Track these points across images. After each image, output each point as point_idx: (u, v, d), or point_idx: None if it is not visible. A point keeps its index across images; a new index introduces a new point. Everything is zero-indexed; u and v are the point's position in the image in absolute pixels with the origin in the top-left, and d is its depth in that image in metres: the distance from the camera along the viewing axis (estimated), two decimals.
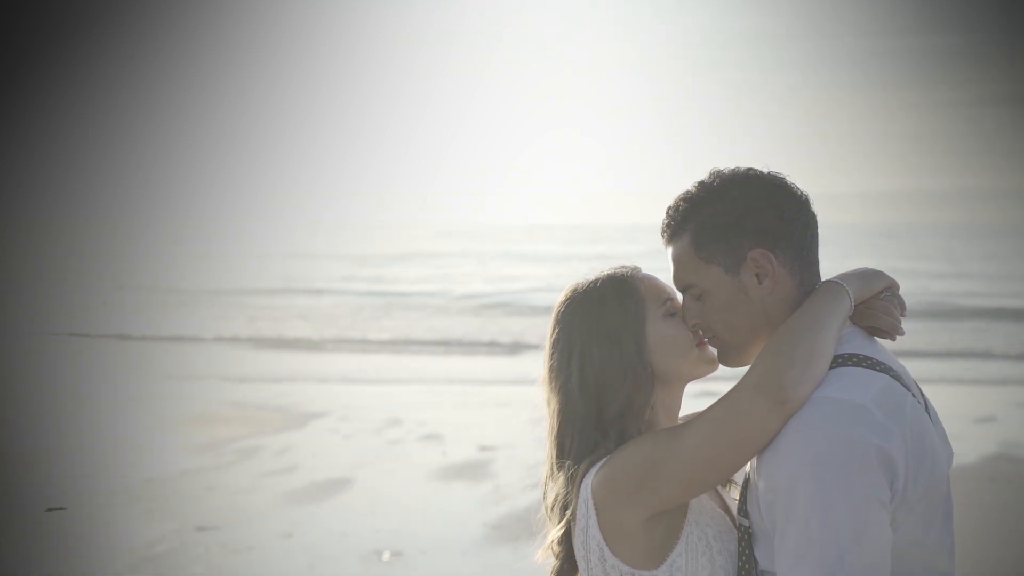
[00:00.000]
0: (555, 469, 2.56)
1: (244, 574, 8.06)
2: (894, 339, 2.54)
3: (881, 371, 2.39)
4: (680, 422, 2.62)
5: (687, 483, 2.36)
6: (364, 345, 24.39)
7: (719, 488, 2.64)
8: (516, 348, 23.61)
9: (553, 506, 2.56)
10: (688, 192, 2.53)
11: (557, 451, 2.56)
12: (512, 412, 14.35)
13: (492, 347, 24.00)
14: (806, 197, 2.54)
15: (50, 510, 9.61)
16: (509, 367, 20.38)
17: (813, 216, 2.54)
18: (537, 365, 2.66)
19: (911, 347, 22.07)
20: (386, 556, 8.41)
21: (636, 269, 2.65)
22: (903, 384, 2.41)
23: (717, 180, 2.51)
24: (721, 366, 2.60)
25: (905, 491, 2.30)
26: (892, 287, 2.59)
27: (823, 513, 2.23)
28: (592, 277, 2.62)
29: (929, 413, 2.51)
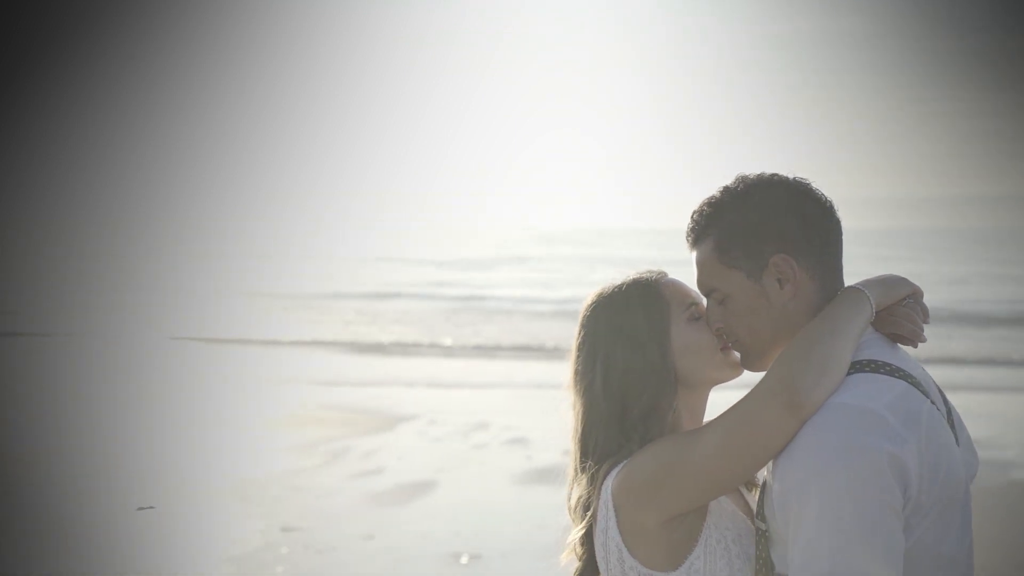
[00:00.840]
0: (579, 471, 2.59)
1: (324, 575, 8.18)
2: (916, 346, 2.52)
3: (899, 377, 2.38)
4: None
5: (704, 485, 2.38)
6: (455, 350, 24.55)
7: (743, 491, 2.65)
8: None
9: (576, 507, 2.59)
10: (713, 197, 2.54)
11: (581, 452, 2.59)
12: None
13: None
14: (830, 203, 2.53)
15: (140, 509, 9.83)
16: None
17: (837, 222, 2.53)
18: None
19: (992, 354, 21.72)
20: (464, 559, 8.48)
21: (662, 274, 2.67)
22: (922, 391, 2.40)
23: (741, 185, 2.52)
24: (746, 371, 2.60)
25: (919, 498, 2.30)
26: (915, 294, 2.58)
27: (834, 518, 2.23)
28: (618, 281, 2.64)
29: (953, 421, 2.50)
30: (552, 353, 23.87)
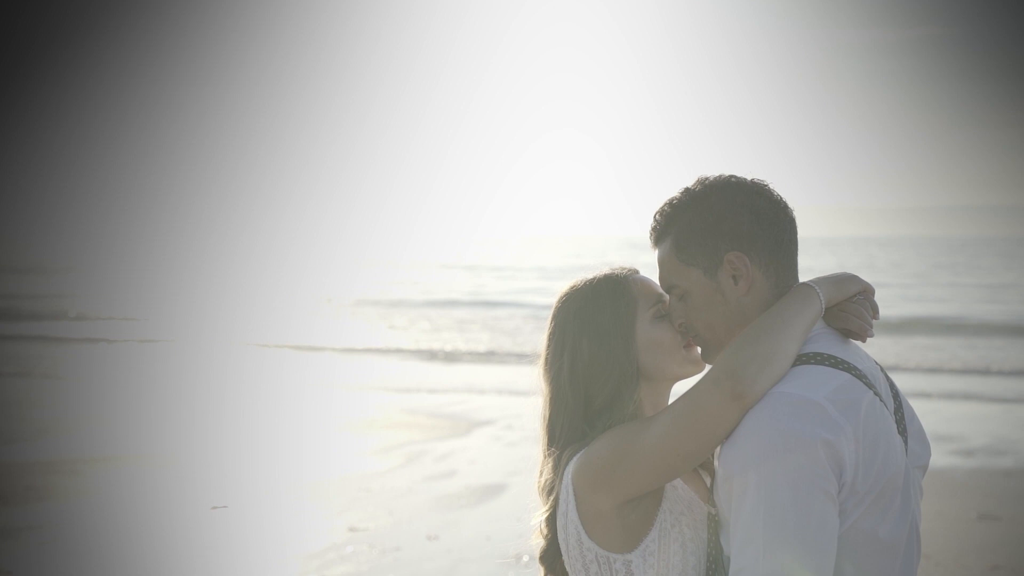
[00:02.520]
0: (545, 455, 2.71)
1: (386, 573, 8.34)
2: (864, 340, 2.62)
3: (843, 369, 2.47)
4: None
5: (654, 470, 2.49)
6: (534, 357, 24.62)
7: (703, 476, 2.75)
8: None
9: (542, 490, 2.71)
10: (673, 198, 2.65)
11: (548, 438, 2.72)
12: None
13: None
14: (784, 203, 2.64)
15: (214, 508, 10.10)
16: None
17: (791, 222, 2.63)
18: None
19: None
20: (525, 559, 8.60)
21: (633, 271, 2.78)
22: (866, 383, 2.49)
23: (700, 187, 2.63)
24: (708, 365, 2.70)
25: (854, 483, 2.40)
26: (866, 291, 2.67)
27: (769, 501, 2.34)
28: (590, 276, 2.77)
29: (903, 413, 2.60)
30: None
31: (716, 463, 2.50)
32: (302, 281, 57.66)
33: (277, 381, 20.14)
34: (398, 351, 25.97)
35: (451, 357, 24.56)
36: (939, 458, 12.55)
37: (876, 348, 25.15)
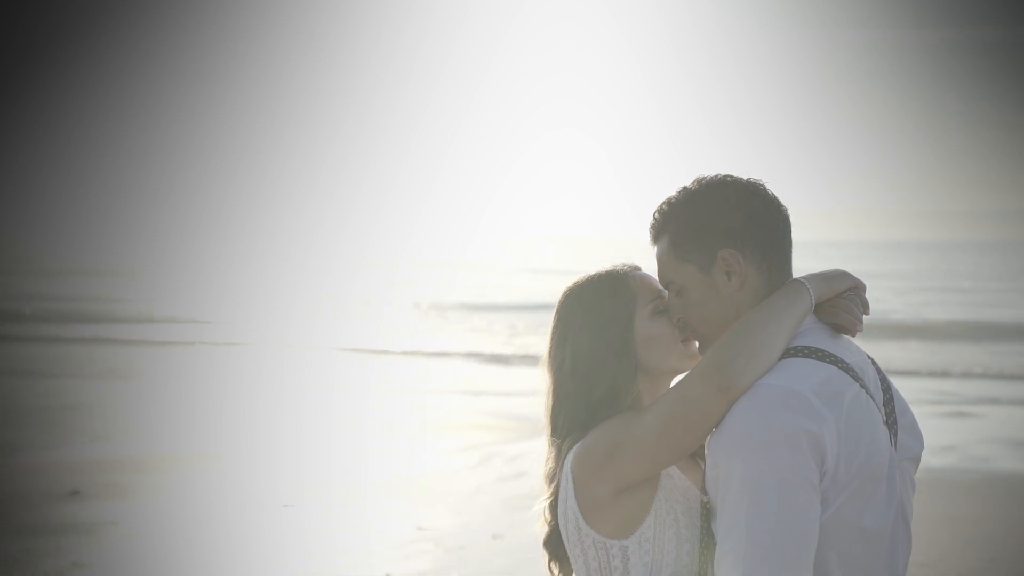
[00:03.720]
0: (550, 445, 2.82)
1: (450, 571, 8.48)
2: (853, 334, 2.70)
3: (830, 362, 2.56)
4: None
5: (645, 460, 2.58)
6: None
7: (702, 466, 2.83)
8: None
9: (546, 478, 2.82)
10: (671, 197, 2.75)
11: (551, 428, 2.82)
12: None
13: None
14: (778, 202, 2.72)
15: (286, 506, 10.33)
16: None
17: (785, 220, 2.71)
18: None
19: None
20: None
21: (635, 268, 2.88)
22: (852, 375, 2.57)
23: (696, 185, 2.72)
24: None
25: (836, 472, 2.48)
26: (857, 287, 2.75)
27: (752, 490, 2.43)
28: (592, 272, 2.87)
29: (894, 405, 2.67)
30: None
31: (705, 453, 2.59)
32: (367, 283, 58.21)
33: (352, 384, 20.41)
34: (474, 355, 26.17)
35: (527, 360, 24.69)
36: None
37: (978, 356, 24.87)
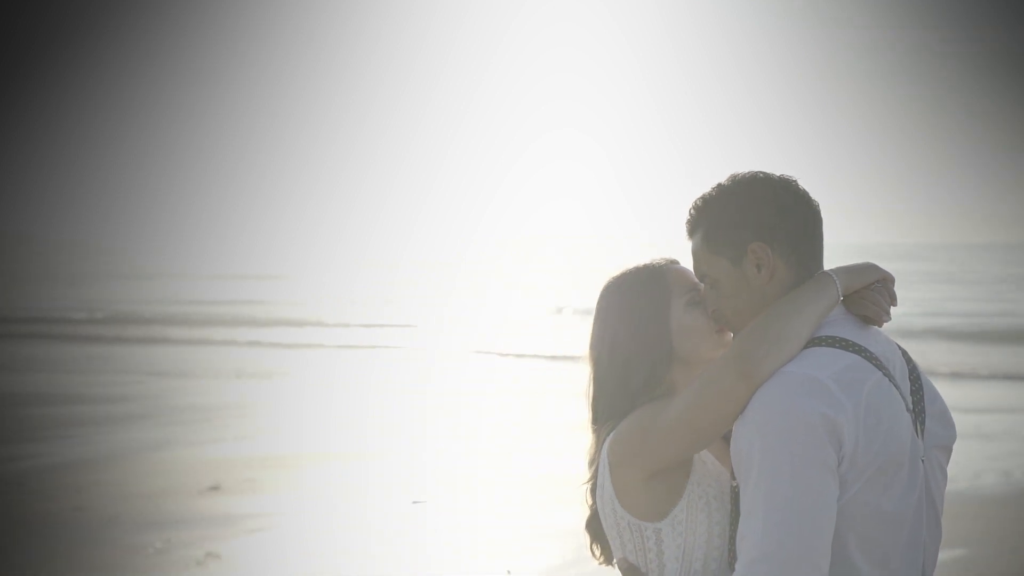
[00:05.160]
0: (592, 431, 2.94)
1: (569, 569, 8.61)
2: (880, 325, 2.78)
3: (853, 351, 2.64)
4: None
5: (674, 445, 2.69)
6: None
7: None
8: None
9: (589, 463, 2.95)
10: (706, 193, 2.85)
11: (592, 415, 2.95)
12: None
13: None
14: (808, 197, 2.81)
15: (415, 503, 10.58)
16: None
17: (815, 214, 2.80)
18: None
19: None
20: None
21: (673, 262, 2.99)
22: (875, 364, 2.65)
23: (729, 182, 2.83)
24: None
25: (854, 457, 2.56)
26: (885, 280, 2.83)
27: (770, 473, 2.53)
28: (631, 266, 2.99)
29: (922, 394, 2.75)
30: None
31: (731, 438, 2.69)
32: (499, 286, 58.68)
33: (491, 386, 20.66)
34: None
35: None
36: None
37: None
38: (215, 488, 11.04)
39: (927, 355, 26.05)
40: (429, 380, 21.13)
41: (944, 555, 8.86)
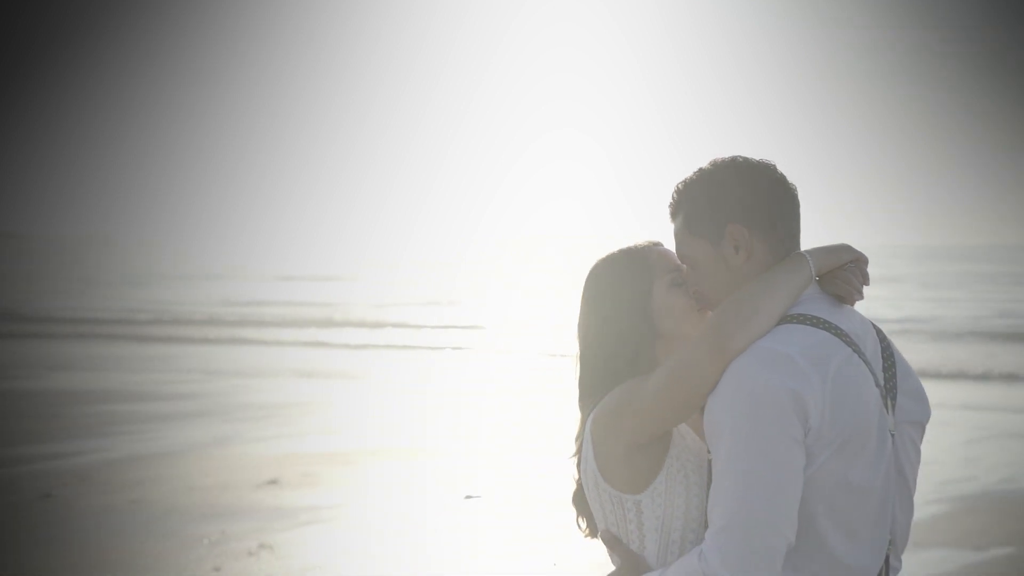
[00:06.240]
0: (580, 408, 3.05)
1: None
2: (852, 303, 2.88)
3: (822, 328, 2.74)
4: None
5: (651, 418, 2.79)
6: None
7: None
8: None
9: (576, 439, 3.05)
10: (687, 177, 2.95)
11: (579, 393, 3.05)
12: (955, 432, 14.15)
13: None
14: (785, 180, 2.90)
15: (468, 498, 10.71)
16: (963, 393, 19.87)
17: (792, 197, 2.90)
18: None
19: None
20: None
21: (656, 244, 3.09)
22: (845, 340, 2.74)
23: (710, 166, 2.93)
24: None
25: (820, 429, 2.65)
26: (858, 260, 2.91)
27: (740, 444, 2.64)
28: (615, 249, 3.09)
29: (895, 370, 2.83)
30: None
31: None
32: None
33: (562, 387, 20.74)
34: None
35: None
36: None
37: None
38: (273, 482, 11.25)
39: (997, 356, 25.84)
40: (490, 380, 21.27)
41: (993, 553, 8.84)
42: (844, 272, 2.86)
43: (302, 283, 65.93)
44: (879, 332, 2.89)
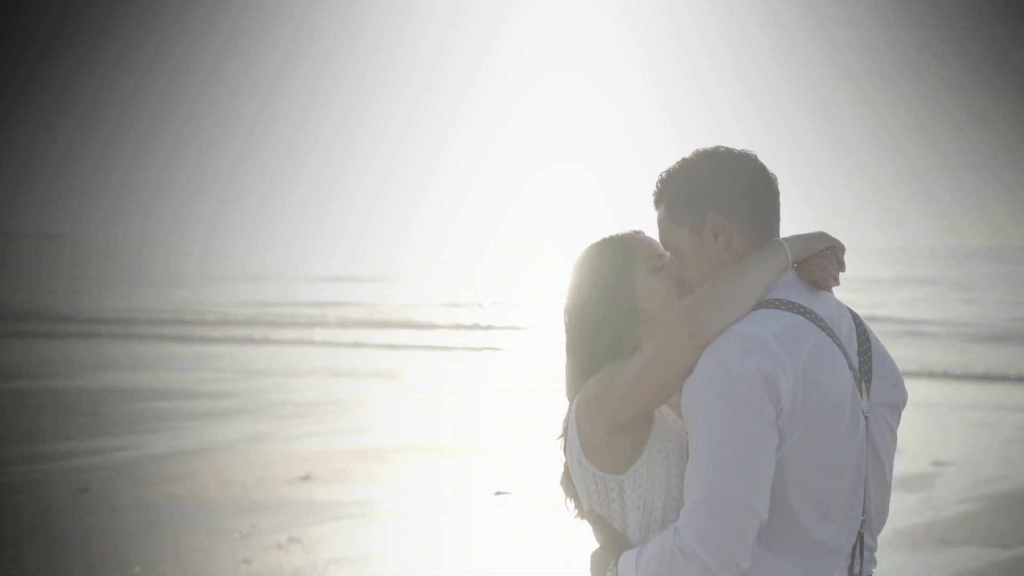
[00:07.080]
0: (567, 395, 3.13)
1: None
2: (828, 289, 2.95)
3: (797, 312, 2.82)
4: None
5: (632, 401, 2.87)
6: None
7: None
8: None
9: (563, 423, 3.13)
10: (670, 166, 3.03)
11: (567, 378, 3.13)
12: (991, 432, 14.09)
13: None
14: (765, 171, 2.98)
15: (498, 494, 10.81)
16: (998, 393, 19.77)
17: (770, 186, 2.97)
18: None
19: None
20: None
21: (638, 232, 3.17)
22: (819, 325, 2.82)
23: (692, 155, 3.01)
24: None
25: (792, 410, 2.73)
26: (834, 247, 2.99)
27: (714, 424, 2.72)
28: (599, 238, 3.17)
29: (870, 355, 2.91)
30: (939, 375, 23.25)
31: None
32: None
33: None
34: None
35: None
36: None
37: None
38: (306, 478, 11.39)
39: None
40: (520, 379, 21.36)
41: (1018, 551, 8.85)
42: (820, 259, 2.93)
43: (327, 284, 66.28)
44: (856, 317, 2.96)
